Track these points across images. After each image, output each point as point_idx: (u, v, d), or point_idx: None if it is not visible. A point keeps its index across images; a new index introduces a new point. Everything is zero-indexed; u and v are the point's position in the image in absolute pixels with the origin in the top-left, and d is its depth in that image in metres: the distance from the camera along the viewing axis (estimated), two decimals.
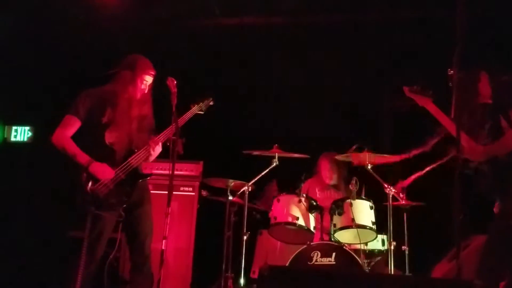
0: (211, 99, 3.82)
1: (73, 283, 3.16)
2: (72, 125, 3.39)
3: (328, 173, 4.88)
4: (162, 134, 3.46)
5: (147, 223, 3.48)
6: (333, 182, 4.91)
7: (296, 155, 4.39)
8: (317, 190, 4.92)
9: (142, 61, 3.51)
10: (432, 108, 3.31)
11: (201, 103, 3.74)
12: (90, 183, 3.25)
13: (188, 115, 3.64)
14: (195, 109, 3.71)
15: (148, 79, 3.51)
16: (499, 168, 2.98)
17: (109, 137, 3.38)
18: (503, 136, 2.98)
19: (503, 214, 2.91)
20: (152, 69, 3.52)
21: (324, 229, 4.29)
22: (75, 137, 3.41)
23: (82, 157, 3.28)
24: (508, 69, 3.06)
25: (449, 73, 2.66)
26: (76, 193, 3.29)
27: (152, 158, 3.50)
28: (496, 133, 3.02)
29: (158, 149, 3.47)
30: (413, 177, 4.29)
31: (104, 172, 3.27)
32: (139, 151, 3.42)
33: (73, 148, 3.32)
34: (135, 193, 3.41)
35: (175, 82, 3.34)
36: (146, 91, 3.52)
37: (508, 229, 2.84)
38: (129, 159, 3.39)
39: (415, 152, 4.07)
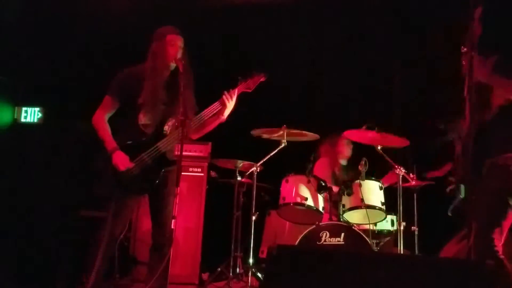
0: (262, 75, 3.36)
1: (93, 262, 3.18)
2: (110, 106, 3.36)
3: (346, 152, 4.90)
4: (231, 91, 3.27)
5: (170, 204, 3.33)
6: (346, 161, 4.94)
7: (305, 137, 4.36)
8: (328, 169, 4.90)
9: (167, 27, 3.38)
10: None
11: (249, 80, 3.33)
12: (114, 168, 3.21)
13: (234, 93, 3.29)
14: (242, 88, 3.33)
15: (178, 42, 3.30)
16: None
17: (143, 119, 3.29)
18: None
19: None
20: (177, 32, 3.34)
21: (333, 209, 4.29)
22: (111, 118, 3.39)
23: (109, 144, 3.26)
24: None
25: (462, 51, 2.59)
26: (100, 176, 3.27)
27: (227, 113, 3.32)
28: None
29: (231, 104, 3.27)
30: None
31: (121, 164, 3.20)
32: (169, 136, 3.30)
33: (104, 133, 3.30)
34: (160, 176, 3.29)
35: (183, 62, 3.28)
36: (179, 57, 3.27)
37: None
38: (158, 144, 3.27)
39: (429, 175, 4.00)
